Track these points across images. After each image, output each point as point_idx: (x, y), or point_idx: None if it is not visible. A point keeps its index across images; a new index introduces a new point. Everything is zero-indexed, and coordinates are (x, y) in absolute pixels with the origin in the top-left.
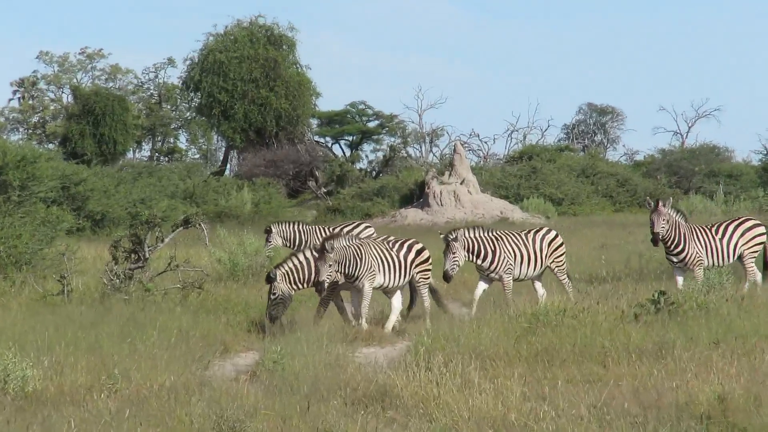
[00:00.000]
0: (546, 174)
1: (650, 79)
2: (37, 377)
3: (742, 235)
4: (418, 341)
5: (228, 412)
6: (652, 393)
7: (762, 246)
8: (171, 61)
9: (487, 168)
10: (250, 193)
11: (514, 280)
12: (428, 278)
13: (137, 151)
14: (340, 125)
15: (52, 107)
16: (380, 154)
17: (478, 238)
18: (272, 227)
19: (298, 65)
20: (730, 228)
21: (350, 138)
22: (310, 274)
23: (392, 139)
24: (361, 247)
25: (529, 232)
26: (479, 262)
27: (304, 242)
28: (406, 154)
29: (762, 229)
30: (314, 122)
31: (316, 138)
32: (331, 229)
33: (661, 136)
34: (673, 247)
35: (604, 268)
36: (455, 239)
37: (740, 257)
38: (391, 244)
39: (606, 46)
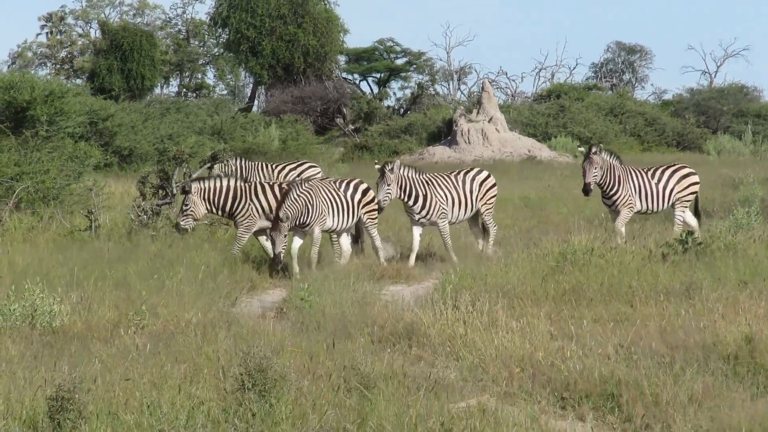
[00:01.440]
0: (574, 113)
1: (679, 18)
2: (65, 313)
3: (678, 181)
4: (445, 280)
5: (254, 348)
6: (680, 333)
7: (695, 195)
8: None
9: (515, 106)
10: (277, 130)
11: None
12: (375, 218)
13: (165, 87)
14: (368, 62)
15: (79, 42)
16: (408, 92)
17: (411, 179)
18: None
19: (325, 1)
20: (667, 173)
21: (378, 75)
22: (224, 202)
23: (420, 77)
24: (310, 193)
25: (459, 173)
26: (410, 203)
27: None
28: (433, 92)
29: (697, 178)
30: (342, 59)
31: (344, 75)
32: (273, 167)
33: (689, 75)
34: (608, 190)
35: None
36: (391, 170)
37: (673, 204)
38: (338, 185)
39: None
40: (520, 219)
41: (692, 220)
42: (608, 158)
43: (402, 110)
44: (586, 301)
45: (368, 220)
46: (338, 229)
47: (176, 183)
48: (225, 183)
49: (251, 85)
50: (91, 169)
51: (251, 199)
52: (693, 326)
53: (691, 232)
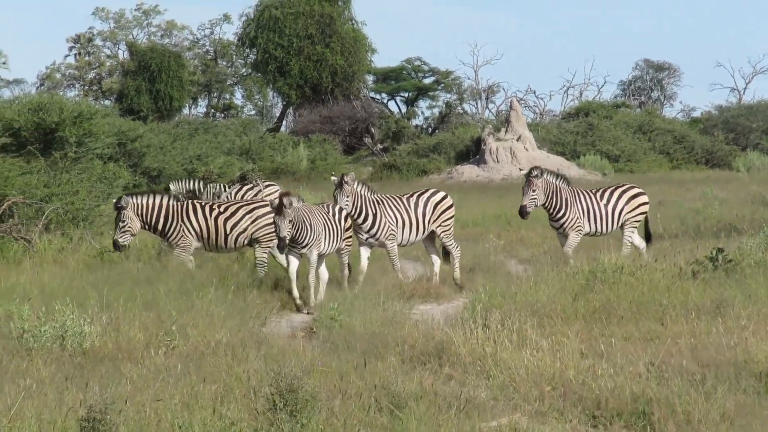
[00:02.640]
0: (602, 130)
1: (707, 35)
2: (95, 334)
3: (627, 202)
4: (475, 299)
5: (285, 368)
6: (711, 351)
7: (645, 215)
8: (227, 17)
9: (544, 124)
10: (306, 150)
11: (398, 245)
12: (351, 246)
13: (193, 107)
14: (395, 81)
15: (108, 63)
16: (436, 111)
17: (364, 196)
18: (171, 185)
19: (353, 21)
20: (616, 194)
21: (406, 94)
22: (156, 220)
23: (448, 96)
24: (309, 212)
25: (412, 195)
26: (359, 221)
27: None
28: (462, 111)
29: (646, 198)
30: (370, 78)
31: (372, 94)
32: (228, 186)
33: (718, 93)
34: (554, 212)
35: (661, 225)
36: (347, 182)
37: (622, 225)
38: (326, 209)
39: (662, 1)
40: (549, 237)
41: (640, 243)
42: (554, 180)
43: (430, 129)
44: (616, 319)
45: (346, 247)
46: (326, 253)
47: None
48: (158, 200)
49: (279, 105)
50: (120, 190)
51: (182, 220)
52: (724, 344)
53: (721, 249)
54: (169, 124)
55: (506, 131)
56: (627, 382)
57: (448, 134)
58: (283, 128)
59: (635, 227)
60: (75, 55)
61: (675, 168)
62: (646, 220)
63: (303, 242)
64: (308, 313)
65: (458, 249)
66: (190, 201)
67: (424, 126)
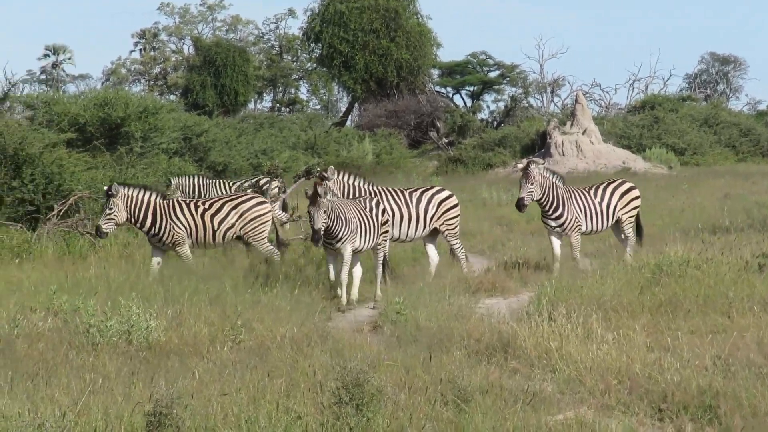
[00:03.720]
0: (668, 124)
1: None
2: (161, 328)
3: (620, 198)
4: (540, 292)
5: (351, 363)
6: None
7: (638, 210)
8: (291, 12)
9: (609, 118)
10: (371, 144)
11: (393, 240)
12: (387, 242)
13: (258, 102)
14: (461, 75)
15: (173, 59)
16: (501, 105)
17: (354, 186)
18: (171, 180)
19: (418, 15)
20: (608, 191)
21: (471, 88)
22: (144, 216)
23: (513, 90)
24: (344, 206)
25: (416, 190)
26: None
27: (204, 196)
28: (527, 104)
29: (637, 192)
30: (435, 72)
31: (437, 88)
32: (230, 183)
33: None
34: (551, 210)
35: (727, 218)
36: (328, 177)
37: (618, 221)
38: (363, 204)
39: None
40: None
41: (632, 236)
42: (550, 177)
43: (495, 123)
44: (682, 313)
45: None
46: (361, 250)
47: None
48: (147, 197)
49: (344, 100)
50: None
51: (170, 218)
52: None
53: None
54: (234, 119)
55: (572, 125)
56: (693, 376)
57: (514, 128)
58: (348, 122)
59: (631, 223)
60: (140, 50)
61: (741, 161)
62: (638, 215)
63: (337, 236)
64: (344, 312)
65: (463, 250)
66: (176, 199)
67: (490, 120)
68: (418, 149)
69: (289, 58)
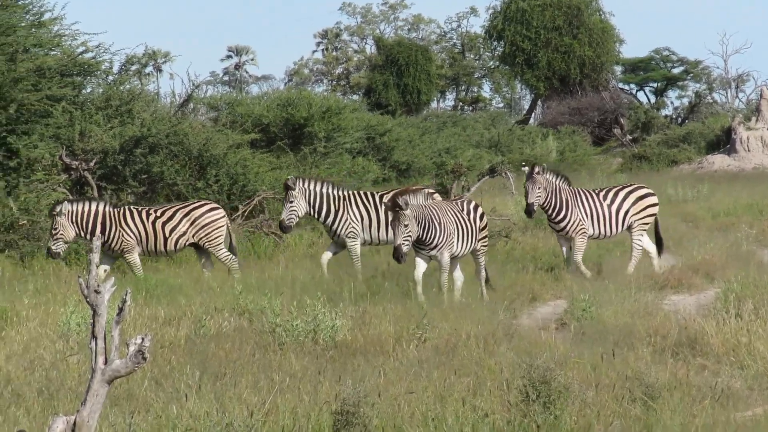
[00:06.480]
0: None
1: None
2: (346, 327)
3: (633, 203)
4: (727, 288)
5: (538, 360)
6: None
7: (654, 217)
8: (473, 10)
9: None
10: (555, 142)
11: (362, 244)
12: (487, 246)
13: (441, 100)
14: (644, 72)
15: (355, 58)
16: (685, 101)
17: (322, 194)
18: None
19: (601, 12)
20: (621, 195)
21: (655, 85)
22: (93, 227)
23: (697, 85)
24: (438, 210)
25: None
26: (320, 220)
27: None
28: (711, 100)
29: (655, 199)
30: (618, 69)
31: (620, 85)
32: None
33: None
34: (553, 214)
35: None
36: (292, 188)
37: (630, 228)
38: (460, 206)
39: None
40: None
41: (650, 247)
42: (554, 180)
43: (680, 119)
44: None
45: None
46: (459, 255)
47: (454, 196)
48: (94, 207)
49: (527, 98)
50: (370, 184)
51: (121, 225)
52: None
53: None
54: (417, 118)
55: (757, 120)
56: None
57: (698, 124)
58: (531, 120)
59: (644, 230)
60: (322, 50)
61: None
62: (656, 224)
63: (432, 243)
64: None
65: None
66: (126, 206)
67: (674, 116)
68: (602, 146)
69: (472, 56)
